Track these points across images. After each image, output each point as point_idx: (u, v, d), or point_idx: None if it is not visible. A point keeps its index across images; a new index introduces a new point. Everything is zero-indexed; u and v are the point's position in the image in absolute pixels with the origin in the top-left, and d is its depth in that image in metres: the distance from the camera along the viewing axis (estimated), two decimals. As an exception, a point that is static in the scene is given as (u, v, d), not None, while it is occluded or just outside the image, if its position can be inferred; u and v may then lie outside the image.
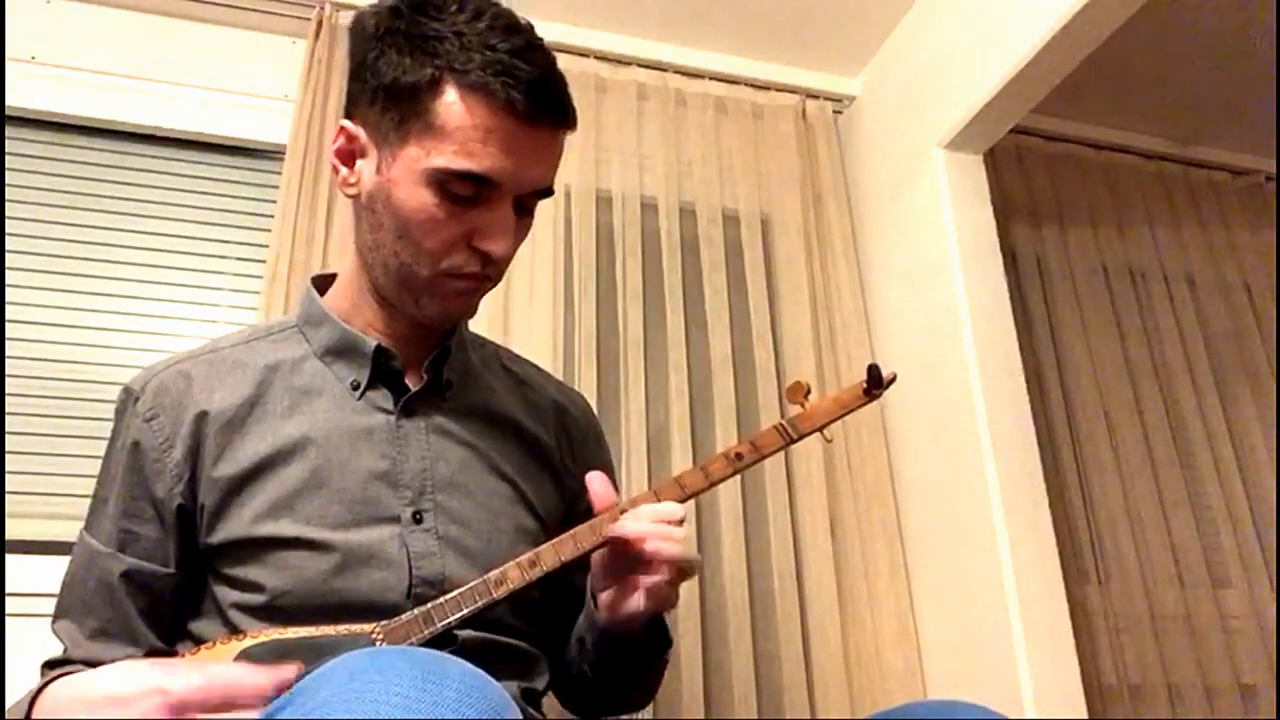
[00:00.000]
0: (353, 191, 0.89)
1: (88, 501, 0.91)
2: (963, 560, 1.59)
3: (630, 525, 0.83)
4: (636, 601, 0.84)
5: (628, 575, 0.85)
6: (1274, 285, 2.24)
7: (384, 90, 0.84)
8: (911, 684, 1.61)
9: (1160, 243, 2.20)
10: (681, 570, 0.84)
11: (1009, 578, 1.49)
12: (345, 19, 1.77)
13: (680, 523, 0.84)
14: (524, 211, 0.89)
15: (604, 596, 0.87)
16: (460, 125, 0.81)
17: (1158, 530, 1.87)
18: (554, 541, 0.85)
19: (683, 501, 0.88)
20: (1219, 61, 2.09)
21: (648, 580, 0.83)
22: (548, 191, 0.89)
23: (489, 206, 0.84)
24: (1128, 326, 2.07)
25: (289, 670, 0.68)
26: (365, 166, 0.88)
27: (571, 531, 0.85)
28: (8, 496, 1.45)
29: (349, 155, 0.89)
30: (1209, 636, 1.81)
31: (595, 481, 0.88)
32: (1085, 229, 2.14)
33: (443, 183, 0.82)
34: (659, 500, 0.87)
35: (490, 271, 0.88)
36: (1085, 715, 1.45)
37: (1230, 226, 2.29)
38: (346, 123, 0.89)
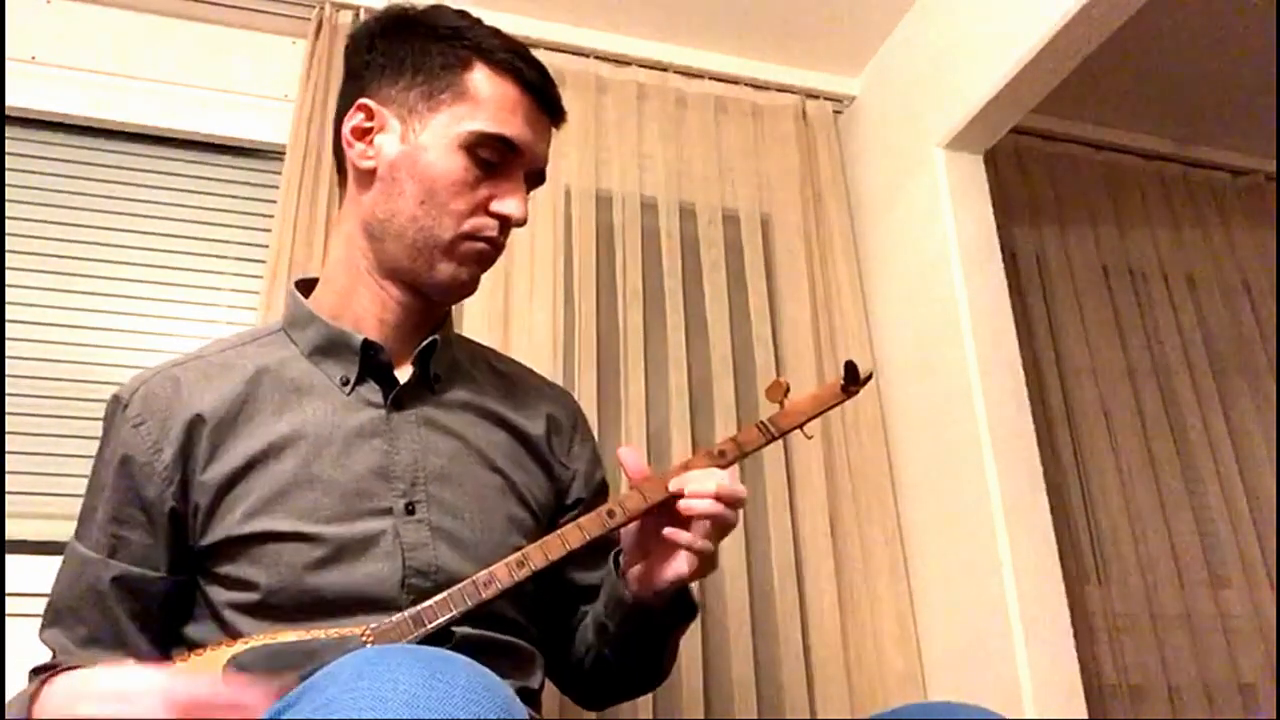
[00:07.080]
0: (370, 164, 0.93)
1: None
2: (963, 560, 1.59)
3: (701, 484, 0.87)
4: (677, 567, 0.88)
5: (663, 543, 0.88)
6: (1274, 285, 2.24)
7: (411, 68, 0.93)
8: (911, 684, 1.61)
9: (1160, 243, 2.19)
10: (722, 529, 0.88)
11: (1009, 578, 1.49)
12: (345, 19, 1.77)
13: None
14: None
15: (636, 570, 0.91)
16: (492, 95, 0.92)
17: (1158, 530, 1.87)
18: (541, 542, 0.86)
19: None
20: (1219, 61, 2.08)
21: (694, 542, 0.86)
22: (543, 176, 1.00)
23: (506, 175, 0.94)
24: (1128, 326, 2.06)
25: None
26: (386, 139, 0.93)
27: (559, 531, 0.86)
28: (8, 496, 1.45)
29: (365, 132, 0.94)
30: (1209, 636, 1.81)
31: (628, 455, 0.91)
32: (1085, 229, 2.14)
33: (473, 147, 0.91)
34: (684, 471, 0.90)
35: (501, 239, 0.95)
36: (1085, 715, 1.45)
37: (1230, 226, 2.29)
38: (368, 100, 0.94)
